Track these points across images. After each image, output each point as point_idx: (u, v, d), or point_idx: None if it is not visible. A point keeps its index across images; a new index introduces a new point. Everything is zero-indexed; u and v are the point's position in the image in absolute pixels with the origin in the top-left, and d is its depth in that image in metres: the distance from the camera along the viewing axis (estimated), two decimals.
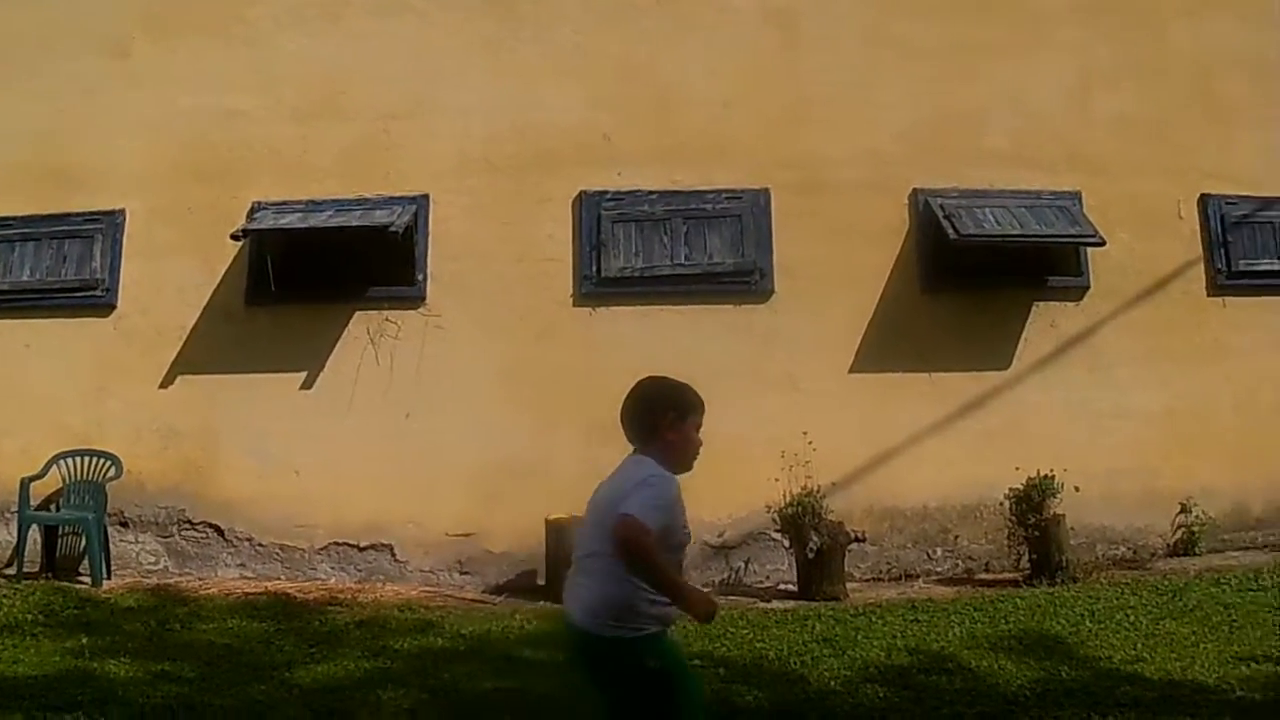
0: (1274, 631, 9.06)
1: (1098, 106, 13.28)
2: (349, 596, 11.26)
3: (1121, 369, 12.70)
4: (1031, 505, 11.51)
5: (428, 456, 12.23)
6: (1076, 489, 11.52)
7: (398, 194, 12.73)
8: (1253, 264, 13.10)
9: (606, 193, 12.77)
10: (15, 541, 11.73)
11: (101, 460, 12.18)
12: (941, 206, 12.61)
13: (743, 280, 12.69)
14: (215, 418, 12.46)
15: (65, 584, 11.48)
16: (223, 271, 12.69)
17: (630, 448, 5.35)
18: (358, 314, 12.61)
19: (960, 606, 10.32)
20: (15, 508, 11.81)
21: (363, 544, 12.27)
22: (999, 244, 12.34)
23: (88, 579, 11.66)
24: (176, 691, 7.98)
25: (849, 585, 11.38)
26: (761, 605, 10.80)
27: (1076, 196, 12.93)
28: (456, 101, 13.00)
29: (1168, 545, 12.50)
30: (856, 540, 11.65)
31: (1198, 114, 13.36)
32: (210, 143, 12.91)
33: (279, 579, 12.07)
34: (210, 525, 12.34)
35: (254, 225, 12.42)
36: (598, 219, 12.73)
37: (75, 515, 11.95)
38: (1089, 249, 12.76)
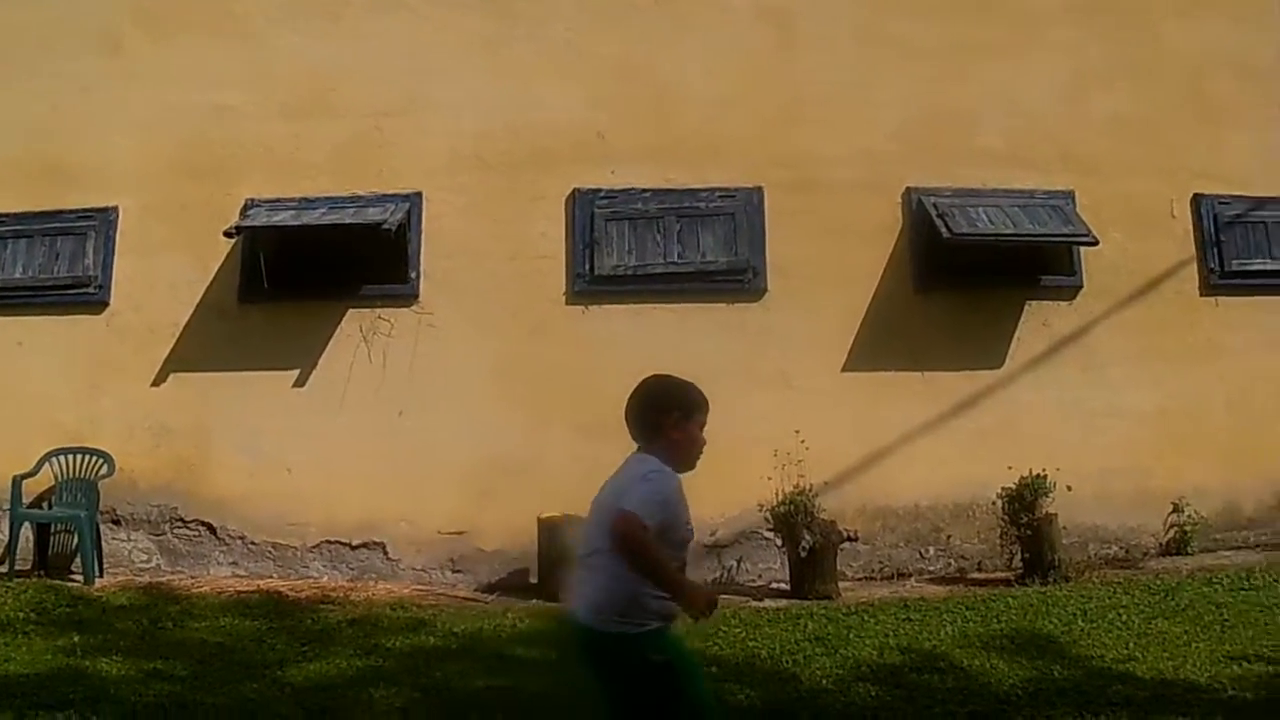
0: (1266, 631, 9.07)
1: (1091, 106, 13.29)
2: (341, 595, 11.24)
3: (1114, 368, 12.72)
4: (1024, 504, 11.52)
5: (420, 455, 12.22)
6: (1069, 488, 11.52)
7: (391, 191, 12.73)
8: (1245, 264, 13.12)
9: (600, 191, 12.77)
10: (7, 539, 11.73)
11: (94, 458, 12.16)
12: (935, 205, 12.61)
13: (736, 279, 12.69)
14: (208, 415, 12.45)
15: (57, 582, 11.45)
16: (216, 269, 12.68)
17: (634, 446, 5.33)
18: (350, 312, 12.60)
19: (952, 605, 10.31)
20: (7, 505, 11.79)
21: (355, 542, 12.27)
22: (992, 243, 12.34)
23: (80, 577, 11.67)
24: (168, 690, 7.97)
25: (841, 584, 11.39)
26: (754, 604, 10.80)
27: (1070, 196, 12.94)
28: (450, 99, 12.99)
29: (1160, 545, 12.51)
30: (849, 539, 11.66)
31: (1191, 114, 13.38)
32: (203, 140, 12.89)
33: (271, 577, 12.06)
34: (202, 523, 12.34)
35: (247, 222, 12.42)
36: (591, 217, 12.72)
37: (67, 513, 11.93)
38: (1082, 248, 12.77)
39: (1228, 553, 12.27)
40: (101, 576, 11.80)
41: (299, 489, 12.25)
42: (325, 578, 12.12)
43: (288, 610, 10.51)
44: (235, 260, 12.65)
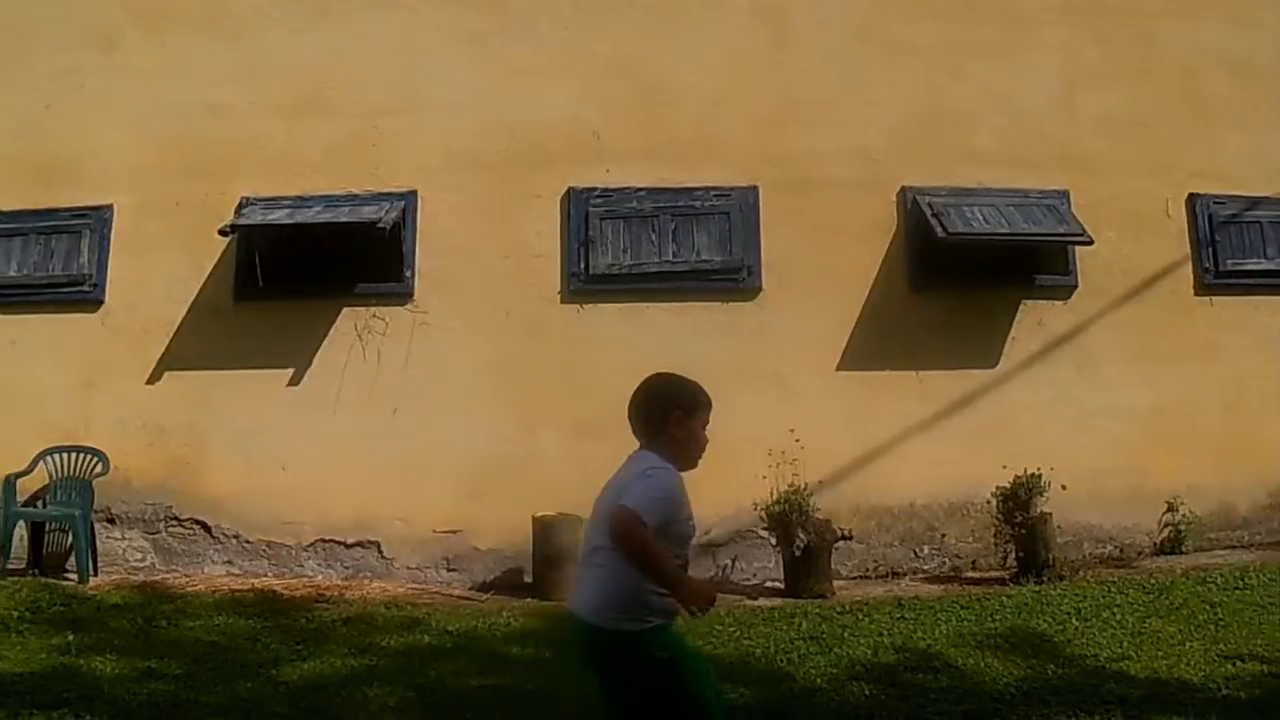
0: (1260, 630, 9.08)
1: (1086, 106, 13.30)
2: (336, 593, 11.24)
3: (1109, 368, 12.73)
4: (1018, 503, 11.52)
5: (415, 453, 12.22)
6: (1064, 487, 11.53)
7: (386, 190, 12.72)
8: (1240, 263, 13.13)
9: (595, 189, 12.76)
10: (1, 538, 11.69)
11: (88, 456, 12.15)
12: (930, 205, 12.62)
13: (730, 278, 12.69)
14: (202, 414, 12.43)
15: (52, 581, 11.44)
16: (210, 267, 12.68)
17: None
18: (345, 310, 12.60)
19: (947, 604, 10.31)
20: (1, 504, 11.75)
21: (350, 541, 12.26)
22: (987, 242, 12.34)
23: (74, 576, 11.65)
24: (163, 689, 7.97)
25: (836, 583, 11.41)
26: (748, 603, 10.79)
27: (1065, 195, 12.95)
28: (445, 97, 12.99)
29: (1154, 544, 12.54)
30: (843, 538, 11.69)
31: (1186, 114, 13.40)
32: (198, 138, 12.88)
33: (266, 576, 12.06)
34: (197, 522, 12.33)
35: (242, 221, 12.41)
36: (586, 216, 12.72)
37: (62, 512, 11.93)
38: (1077, 248, 12.79)
39: (1222, 552, 12.29)
40: (96, 575, 11.77)
41: (294, 487, 12.24)
42: (320, 576, 12.12)
43: (282, 609, 10.50)
44: (230, 259, 12.64)
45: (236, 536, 12.29)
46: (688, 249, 12.68)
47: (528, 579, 11.78)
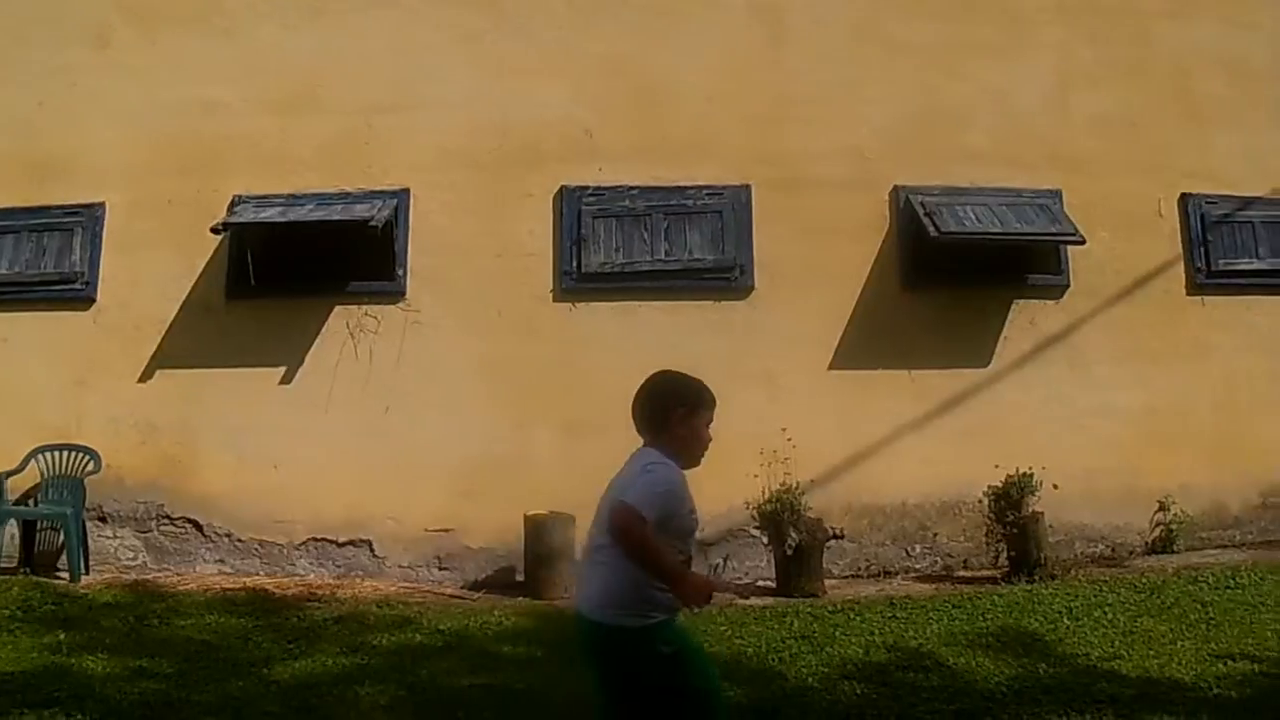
0: (1250, 629, 9.10)
1: (1079, 106, 13.32)
2: (327, 592, 11.24)
3: (1101, 367, 12.74)
4: (1010, 503, 11.52)
5: (407, 452, 12.22)
6: (1055, 487, 11.55)
7: (378, 188, 12.71)
8: (1232, 263, 13.14)
9: (587, 188, 12.76)
10: None
11: (80, 455, 12.14)
12: (922, 204, 12.62)
13: (723, 276, 12.69)
14: (194, 412, 12.42)
15: (43, 579, 11.44)
16: (202, 265, 12.66)
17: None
18: (337, 308, 12.58)
19: (938, 604, 10.33)
20: None
21: (341, 539, 12.25)
22: (979, 242, 12.34)
23: (66, 574, 11.65)
24: (154, 688, 7.97)
25: (827, 582, 11.40)
26: (740, 602, 10.80)
27: (1057, 195, 12.96)
28: (438, 96, 12.98)
29: (1146, 543, 12.54)
30: (835, 537, 11.72)
31: (1178, 114, 13.41)
32: (191, 135, 12.86)
33: (257, 574, 12.05)
34: (189, 520, 12.32)
35: (234, 219, 12.39)
36: (578, 214, 12.71)
37: (53, 510, 11.90)
38: (1069, 247, 12.79)
39: (1213, 551, 12.31)
40: (87, 574, 11.77)
41: (285, 486, 12.23)
42: (311, 575, 12.11)
43: (274, 608, 10.50)
44: (222, 257, 12.62)
45: (228, 535, 12.28)
46: (680, 248, 12.67)
47: (519, 578, 11.77)
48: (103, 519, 12.32)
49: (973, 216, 12.48)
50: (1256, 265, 13.19)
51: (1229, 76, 13.52)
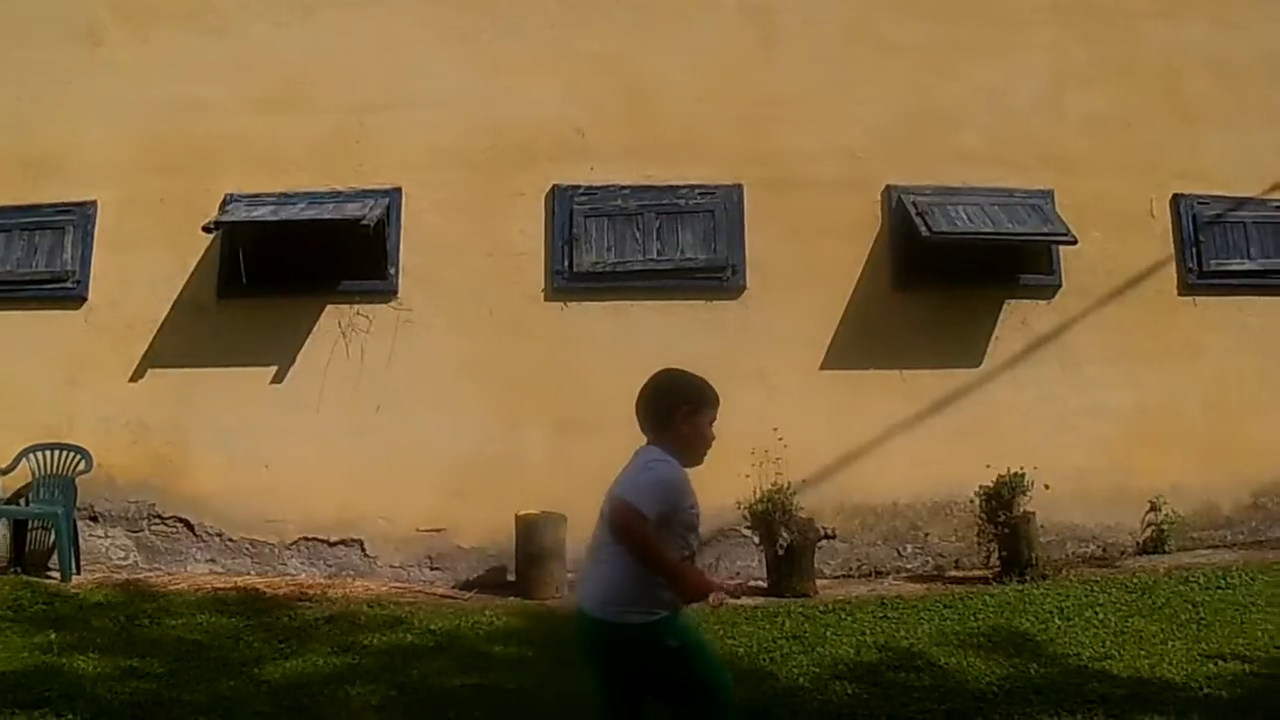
0: (1241, 629, 9.10)
1: (1071, 106, 13.33)
2: (318, 592, 11.22)
3: (1092, 367, 12.76)
4: (1002, 503, 11.53)
5: (398, 451, 12.21)
6: (1047, 487, 11.54)
7: (370, 187, 12.70)
8: (1224, 264, 13.16)
9: (579, 187, 12.76)
10: None
11: (71, 454, 12.12)
12: (914, 204, 12.63)
13: (715, 276, 12.69)
14: (186, 412, 12.40)
15: (34, 579, 11.43)
16: (194, 264, 12.65)
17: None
18: (329, 308, 12.57)
19: (930, 603, 10.32)
20: None
21: (333, 539, 12.25)
22: (971, 242, 12.35)
23: (57, 574, 11.63)
24: (145, 687, 7.95)
25: (819, 582, 11.41)
26: (731, 601, 10.77)
27: (1049, 195, 12.97)
28: (430, 94, 12.96)
29: (1137, 543, 12.57)
30: (826, 537, 11.70)
31: (1170, 114, 13.43)
32: (182, 134, 12.84)
33: (248, 574, 12.03)
34: (180, 520, 12.30)
35: (226, 218, 12.38)
36: (570, 214, 12.71)
37: (44, 509, 11.88)
38: (1061, 247, 12.81)
39: (1204, 551, 12.33)
40: (78, 573, 11.74)
41: (277, 486, 12.23)
42: (303, 575, 12.10)
43: (265, 607, 10.48)
44: (214, 255, 12.61)
45: (219, 535, 12.27)
46: (672, 247, 12.67)
47: (511, 577, 11.77)
48: (94, 518, 12.30)
49: (964, 216, 12.48)
50: (1248, 265, 13.21)
51: (1221, 77, 13.54)
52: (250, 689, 8.01)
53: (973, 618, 9.80)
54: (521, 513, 11.49)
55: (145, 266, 12.63)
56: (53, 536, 11.88)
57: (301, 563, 12.21)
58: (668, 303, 12.56)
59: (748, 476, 11.28)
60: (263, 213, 12.37)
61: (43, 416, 12.30)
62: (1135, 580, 10.95)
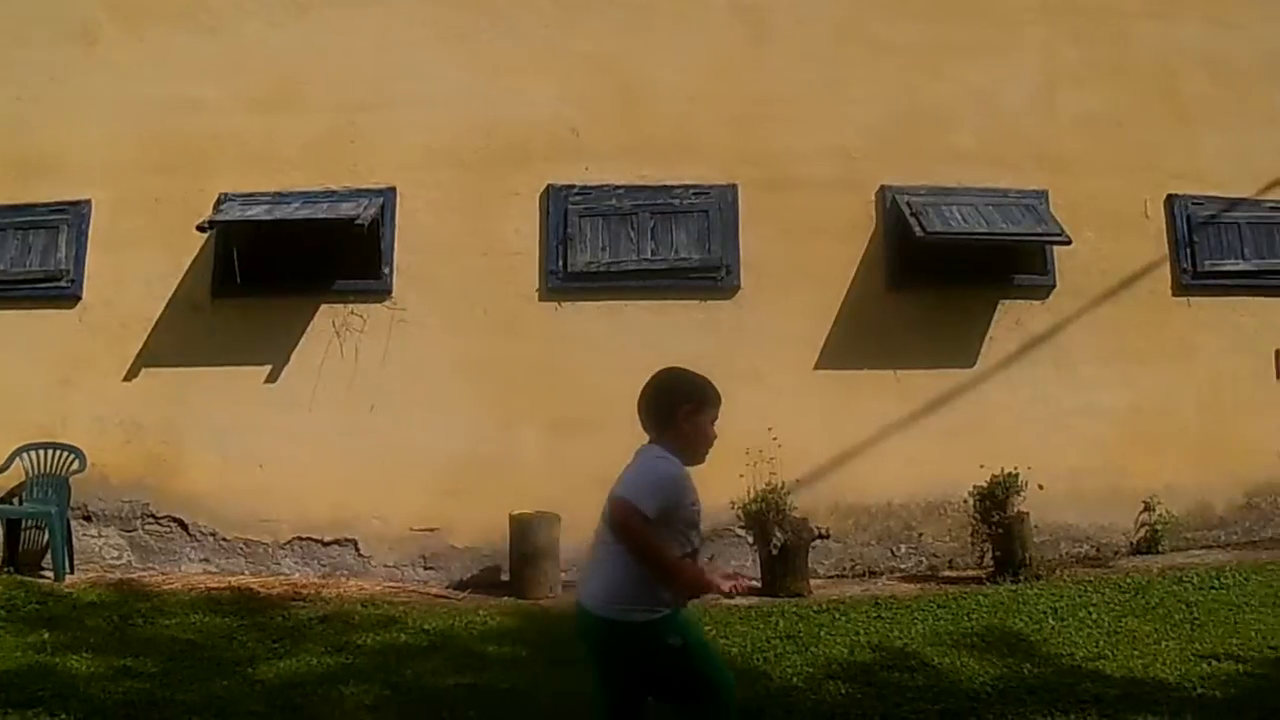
0: (1235, 630, 9.11)
1: (1065, 106, 13.34)
2: (312, 591, 11.22)
3: (1086, 367, 12.77)
4: (995, 503, 11.53)
5: (392, 451, 12.20)
6: (1040, 487, 11.55)
7: (365, 186, 12.69)
8: (1218, 264, 13.17)
9: (574, 187, 12.75)
10: None
11: (65, 453, 12.10)
12: (909, 204, 12.63)
13: (709, 276, 12.69)
14: (179, 411, 12.39)
15: (27, 578, 11.42)
16: (188, 263, 12.63)
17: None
18: (323, 307, 12.56)
19: (923, 603, 10.33)
20: None
21: (327, 539, 12.23)
22: (965, 242, 12.35)
23: (50, 573, 11.62)
24: (138, 687, 7.94)
25: (813, 582, 11.40)
26: (725, 601, 10.70)
27: (1043, 195, 12.97)
28: (425, 94, 12.94)
29: (1131, 543, 12.58)
30: (820, 537, 11.71)
31: (1165, 114, 13.44)
32: (177, 133, 12.82)
33: (242, 574, 12.02)
34: (174, 519, 12.29)
35: (220, 217, 12.36)
36: (564, 213, 12.70)
37: (38, 509, 11.86)
38: (1055, 248, 12.81)
39: (1198, 552, 12.35)
40: (72, 573, 11.75)
41: (270, 485, 12.22)
42: (296, 574, 12.09)
43: (259, 607, 10.47)
44: (208, 255, 12.60)
45: (213, 534, 12.25)
46: (666, 247, 12.67)
47: (505, 577, 11.76)
48: (87, 518, 12.29)
49: (959, 217, 12.49)
50: (1242, 266, 13.22)
51: (1215, 77, 13.55)
52: (244, 689, 8.00)
53: (966, 618, 9.81)
54: (515, 512, 11.49)
55: (139, 266, 12.61)
56: (46, 536, 11.86)
57: (295, 562, 12.20)
58: (662, 303, 12.56)
59: (742, 476, 11.27)
60: (257, 212, 12.36)
61: (36, 416, 12.28)
62: (1129, 580, 10.96)
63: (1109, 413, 12.66)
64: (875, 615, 10.00)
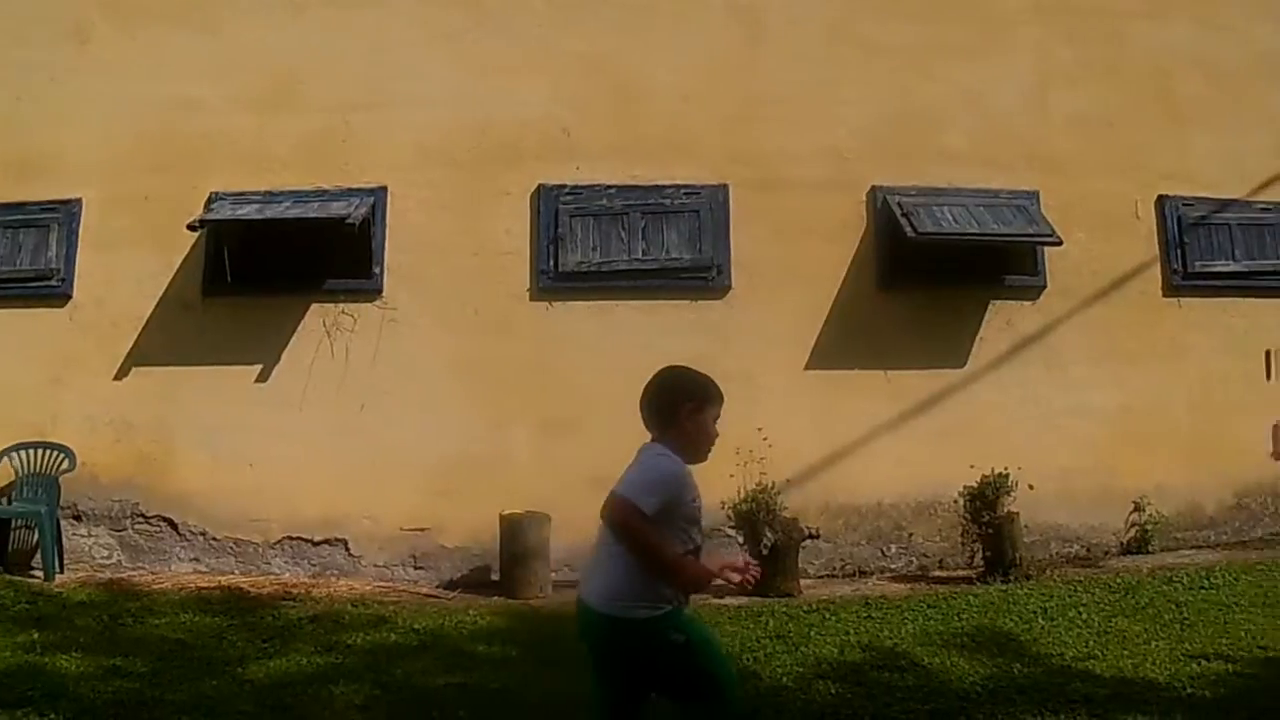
0: (1225, 629, 9.12)
1: (1057, 107, 13.35)
2: (302, 591, 11.19)
3: (1077, 368, 12.79)
4: (986, 503, 11.55)
5: (382, 450, 12.20)
6: (1031, 487, 11.56)
7: (356, 186, 12.67)
8: (1208, 265, 13.20)
9: (565, 187, 12.75)
10: None
11: (55, 453, 12.08)
12: (900, 204, 12.63)
13: (700, 276, 12.69)
14: (170, 410, 12.37)
15: (17, 578, 11.40)
16: (179, 262, 12.61)
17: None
18: (314, 306, 12.54)
19: (914, 603, 10.33)
20: None
21: (317, 538, 12.23)
22: (956, 242, 12.35)
23: (40, 573, 11.59)
24: (128, 687, 7.92)
25: (803, 582, 11.42)
26: (715, 601, 10.74)
27: (1034, 196, 12.99)
28: (417, 93, 12.93)
29: (1121, 543, 12.61)
30: (810, 537, 11.69)
31: (1156, 115, 13.45)
32: (168, 132, 12.80)
33: (232, 573, 12.00)
34: (164, 519, 12.28)
35: (211, 216, 12.34)
36: (555, 213, 12.70)
37: (28, 508, 11.84)
38: (1046, 248, 12.83)
39: (1188, 552, 12.38)
40: (62, 572, 11.71)
41: (261, 485, 12.20)
42: (287, 574, 12.08)
43: (248, 607, 10.45)
44: (199, 254, 12.57)
45: (203, 534, 12.24)
46: (657, 247, 12.67)
47: (495, 577, 11.77)
48: (77, 517, 12.27)
49: (950, 217, 12.49)
50: (1233, 267, 13.25)
51: (1207, 78, 13.57)
52: (233, 688, 7.98)
53: (956, 618, 9.81)
54: (506, 512, 11.48)
55: (130, 265, 12.59)
56: (36, 535, 11.83)
57: (285, 562, 12.20)
58: (653, 302, 12.56)
59: (732, 476, 11.24)
60: (248, 211, 12.34)
61: (26, 415, 12.26)
62: (1119, 580, 10.98)
63: (1099, 413, 12.69)
64: (865, 615, 10.00)
